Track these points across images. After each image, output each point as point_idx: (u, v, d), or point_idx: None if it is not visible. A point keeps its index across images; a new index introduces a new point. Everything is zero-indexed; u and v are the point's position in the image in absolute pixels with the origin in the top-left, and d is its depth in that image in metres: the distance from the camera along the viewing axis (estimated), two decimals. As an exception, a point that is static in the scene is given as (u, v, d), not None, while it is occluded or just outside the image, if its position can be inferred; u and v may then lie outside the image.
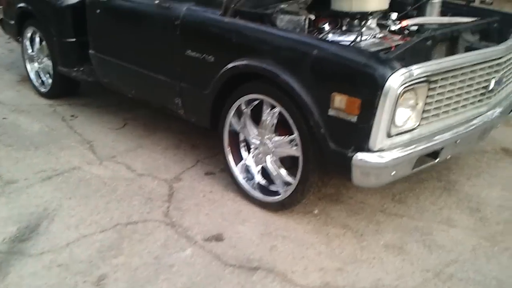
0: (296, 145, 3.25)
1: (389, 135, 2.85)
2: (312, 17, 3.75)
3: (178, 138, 4.70)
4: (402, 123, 2.91)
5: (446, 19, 4.01)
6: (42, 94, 5.70)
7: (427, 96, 2.96)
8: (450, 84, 3.06)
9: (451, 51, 3.42)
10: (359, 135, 2.86)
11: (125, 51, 4.33)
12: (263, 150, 3.57)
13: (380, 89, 2.72)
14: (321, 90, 2.98)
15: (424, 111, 3.00)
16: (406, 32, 3.41)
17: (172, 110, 4.14)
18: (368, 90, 2.78)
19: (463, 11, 4.38)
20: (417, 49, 3.07)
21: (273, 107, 3.34)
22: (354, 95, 2.82)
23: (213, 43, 3.57)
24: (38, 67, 5.78)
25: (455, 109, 3.20)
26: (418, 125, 2.99)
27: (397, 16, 4.07)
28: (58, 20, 5.11)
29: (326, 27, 3.93)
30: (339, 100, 2.88)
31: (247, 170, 3.75)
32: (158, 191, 3.92)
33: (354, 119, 2.84)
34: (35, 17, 5.34)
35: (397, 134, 2.90)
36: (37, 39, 5.64)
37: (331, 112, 2.94)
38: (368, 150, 2.85)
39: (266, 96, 3.33)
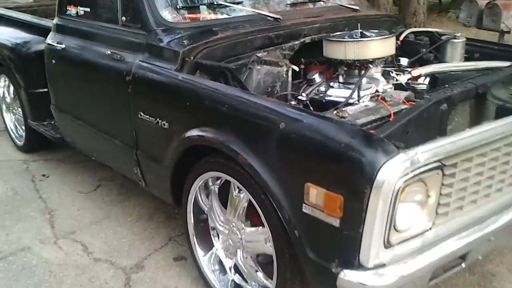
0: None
1: (388, 245, 1.93)
2: (295, 68, 2.86)
3: (154, 205, 3.88)
4: (408, 226, 1.98)
5: (471, 64, 3.04)
6: (18, 148, 4.97)
7: (442, 185, 2.01)
8: (477, 165, 2.11)
9: (477, 115, 2.46)
10: (344, 246, 1.95)
11: (82, 108, 3.56)
12: (232, 242, 2.67)
13: (369, 184, 1.81)
14: (291, 177, 2.09)
15: (440, 205, 2.06)
16: (417, 86, 2.46)
17: (134, 180, 3.31)
18: (353, 184, 1.87)
19: (494, 50, 3.40)
20: (427, 118, 2.14)
21: (241, 188, 2.45)
22: (334, 189, 1.92)
23: (166, 105, 2.73)
24: (14, 118, 5.08)
25: (486, 195, 2.24)
26: (433, 225, 2.05)
27: (408, 62, 3.14)
28: (25, 69, 4.39)
29: (317, 78, 3.03)
30: (315, 194, 1.98)
31: (220, 261, 2.86)
32: (111, 286, 3.06)
33: (336, 222, 1.93)
34: (2, 65, 4.64)
35: (401, 242, 1.96)
36: (11, 87, 4.94)
37: (306, 209, 2.04)
38: (360, 266, 1.92)
39: (229, 176, 2.45)
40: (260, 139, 2.19)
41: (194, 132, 2.48)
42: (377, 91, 2.81)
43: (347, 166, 1.89)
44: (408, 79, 2.94)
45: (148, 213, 3.85)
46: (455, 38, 3.29)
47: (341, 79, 3.08)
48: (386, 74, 3.08)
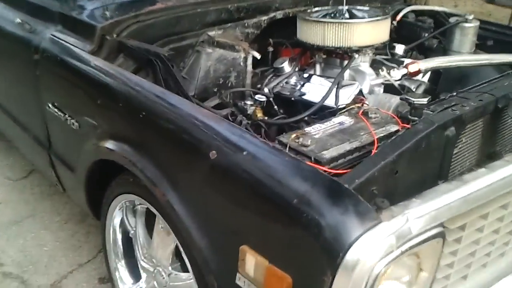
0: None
1: None
2: (257, 55, 2.13)
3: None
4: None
5: (484, 58, 2.32)
6: None
7: (442, 255, 1.35)
8: (494, 221, 1.45)
9: (492, 133, 1.78)
10: None
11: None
12: (158, 285, 2.00)
13: (331, 268, 1.14)
14: (223, 233, 1.41)
15: (436, 280, 1.40)
16: (415, 99, 1.72)
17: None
18: (308, 264, 1.19)
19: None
20: (425, 149, 1.46)
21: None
22: (279, 264, 1.24)
23: (75, 100, 2.01)
24: None
25: (501, 254, 1.59)
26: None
27: (405, 50, 2.42)
28: None
29: (286, 67, 2.31)
30: (252, 264, 1.31)
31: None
32: (15, 315, 2.41)
33: (283, 308, 1.26)
34: None
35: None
36: None
37: (239, 281, 1.37)
38: None
39: (152, 206, 1.76)
40: (184, 170, 1.49)
41: (104, 143, 1.77)
42: (361, 92, 2.10)
43: (299, 234, 1.20)
44: (403, 76, 2.23)
45: (81, 213, 3.15)
46: (466, 22, 2.55)
47: (318, 70, 2.37)
48: (375, 64, 2.37)
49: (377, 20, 2.18)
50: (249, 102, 2.02)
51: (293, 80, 2.31)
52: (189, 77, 2.19)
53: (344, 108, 2.04)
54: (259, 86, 2.34)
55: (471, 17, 2.56)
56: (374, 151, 1.43)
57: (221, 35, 2.24)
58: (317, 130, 1.53)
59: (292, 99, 2.22)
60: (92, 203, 2.19)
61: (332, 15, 2.27)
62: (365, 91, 2.19)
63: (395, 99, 1.99)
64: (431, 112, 1.65)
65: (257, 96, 2.01)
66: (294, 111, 2.27)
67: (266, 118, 1.99)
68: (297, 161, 1.30)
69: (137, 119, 1.64)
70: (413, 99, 1.60)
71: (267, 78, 2.34)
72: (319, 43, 2.20)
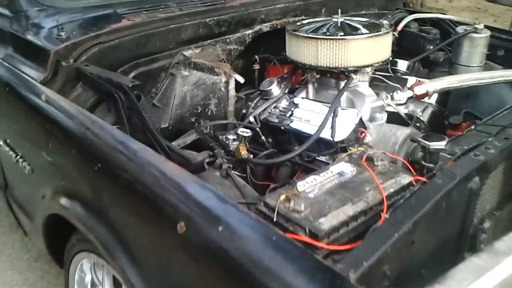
0: None
1: None
2: (240, 79, 1.82)
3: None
4: None
5: (499, 75, 2.03)
6: None
7: None
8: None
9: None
10: None
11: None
12: None
13: None
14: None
15: None
16: (432, 143, 1.39)
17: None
18: None
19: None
20: (446, 209, 1.16)
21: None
22: None
23: (27, 139, 1.69)
24: None
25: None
26: None
27: (408, 67, 2.12)
28: None
29: (274, 89, 2.00)
30: None
31: None
32: None
33: None
34: None
35: None
36: None
37: None
38: None
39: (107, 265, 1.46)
40: (147, 242, 1.19)
41: (57, 196, 1.46)
42: (361, 122, 1.80)
43: None
44: (409, 99, 1.93)
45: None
46: (475, 32, 2.26)
47: (310, 91, 2.07)
48: (375, 81, 2.07)
49: (378, 35, 1.88)
50: (231, 137, 1.71)
51: (282, 104, 2.01)
52: (162, 104, 1.88)
53: (342, 142, 1.76)
54: (244, 111, 2.04)
55: (481, 26, 2.26)
56: (383, 215, 1.13)
57: (198, 55, 1.93)
58: (312, 186, 1.23)
59: (282, 128, 1.92)
60: (54, 251, 1.89)
61: (326, 29, 1.96)
62: (365, 117, 1.90)
63: (401, 132, 1.69)
64: (449, 156, 1.36)
65: (240, 130, 1.71)
66: (284, 140, 1.98)
67: (251, 156, 1.69)
68: (288, 242, 0.99)
69: (92, 172, 1.33)
70: (428, 143, 1.31)
71: (253, 102, 2.03)
72: (312, 63, 1.90)
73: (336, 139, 1.76)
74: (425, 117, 2.02)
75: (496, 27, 2.57)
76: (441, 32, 2.38)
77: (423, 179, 1.24)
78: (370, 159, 1.34)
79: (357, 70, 1.90)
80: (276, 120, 1.96)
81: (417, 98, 1.94)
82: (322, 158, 1.85)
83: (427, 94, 1.93)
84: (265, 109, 2.00)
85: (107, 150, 1.32)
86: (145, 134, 1.51)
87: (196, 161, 1.43)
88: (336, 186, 1.24)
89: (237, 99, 1.98)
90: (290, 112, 1.95)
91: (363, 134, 1.74)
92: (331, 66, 1.87)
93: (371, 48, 1.88)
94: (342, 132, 1.75)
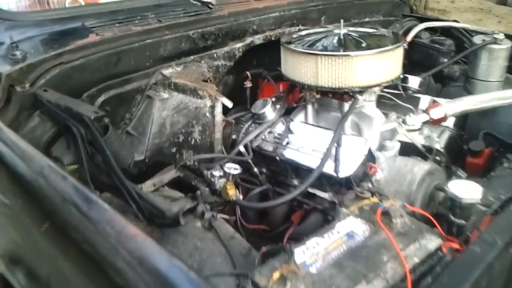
0: None
1: None
2: (227, 102, 1.55)
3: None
4: None
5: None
6: None
7: None
8: None
9: None
10: None
11: None
12: None
13: None
14: None
15: None
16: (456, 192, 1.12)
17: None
18: None
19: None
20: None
21: None
22: None
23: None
24: None
25: None
26: None
27: (420, 84, 1.85)
28: None
29: (268, 112, 1.73)
30: None
31: None
32: None
33: None
34: None
35: None
36: None
37: None
38: None
39: None
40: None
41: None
42: (370, 154, 1.53)
43: None
44: (424, 124, 1.67)
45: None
46: (495, 42, 1.99)
47: (310, 114, 1.80)
48: (382, 99, 1.81)
49: (387, 50, 1.60)
50: (217, 173, 1.44)
51: (278, 129, 1.74)
52: (137, 132, 1.61)
53: (348, 178, 1.49)
54: (234, 136, 1.77)
55: (501, 36, 1.99)
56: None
57: (180, 74, 1.66)
58: (314, 254, 0.96)
59: (277, 158, 1.65)
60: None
61: (326, 43, 1.68)
62: (374, 146, 1.63)
63: (419, 168, 1.42)
64: (484, 208, 1.09)
65: (227, 166, 1.43)
66: (280, 171, 1.71)
67: (240, 196, 1.42)
68: None
69: (38, 232, 1.05)
70: (460, 196, 1.04)
71: (244, 127, 1.76)
72: (311, 82, 1.63)
73: (341, 175, 1.50)
74: (441, 142, 1.75)
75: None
76: (456, 42, 2.10)
77: (455, 245, 0.97)
78: (386, 213, 1.07)
79: (363, 90, 1.63)
80: (270, 148, 1.69)
81: (434, 123, 1.68)
82: (325, 195, 1.59)
83: (445, 118, 1.67)
84: (258, 135, 1.73)
85: (57, 204, 1.04)
86: (111, 177, 1.23)
87: (171, 214, 1.16)
88: (345, 254, 0.97)
89: (225, 124, 1.71)
90: (286, 140, 1.68)
91: (372, 170, 1.47)
92: (333, 86, 1.60)
93: (379, 65, 1.61)
94: (348, 167, 1.49)
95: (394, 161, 1.48)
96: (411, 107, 1.78)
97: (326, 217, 1.58)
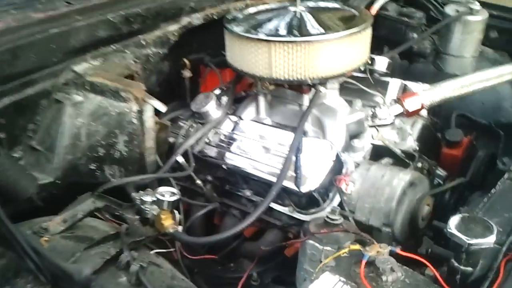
0: None
1: None
2: (160, 106, 1.24)
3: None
4: None
5: (508, 71, 1.53)
6: None
7: None
8: None
9: None
10: None
11: None
12: None
13: None
14: None
15: None
16: None
17: None
18: None
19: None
20: None
21: None
22: None
23: None
24: None
25: None
26: None
27: (388, 65, 1.57)
28: None
29: (212, 110, 1.42)
30: None
31: None
32: None
33: None
34: None
35: None
36: None
37: None
38: None
39: None
40: None
41: None
42: (339, 160, 1.25)
43: None
44: (397, 116, 1.40)
45: None
46: (470, 13, 1.73)
47: (262, 107, 1.49)
48: (345, 84, 1.51)
49: (355, 33, 1.31)
50: (148, 199, 1.13)
51: (224, 129, 1.43)
52: (44, 147, 1.28)
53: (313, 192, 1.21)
54: (172, 139, 1.45)
55: (477, 6, 1.73)
56: None
57: (98, 70, 1.32)
58: None
59: (224, 167, 1.35)
60: None
61: (280, 24, 1.36)
62: (340, 145, 1.35)
63: (398, 180, 1.15)
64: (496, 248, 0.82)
65: (160, 192, 1.12)
66: (227, 179, 1.41)
67: (179, 228, 1.12)
68: None
69: None
70: (466, 239, 0.77)
71: (183, 128, 1.44)
72: (263, 74, 1.32)
73: (304, 189, 1.21)
74: (415, 134, 1.49)
75: (491, 3, 2.02)
76: (426, 14, 1.83)
77: None
78: (371, 264, 0.79)
79: (326, 81, 1.34)
80: (216, 154, 1.38)
81: (409, 115, 1.41)
82: (284, 209, 1.30)
83: (421, 109, 1.40)
84: (201, 138, 1.41)
85: None
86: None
87: (81, 277, 0.84)
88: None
89: (159, 127, 1.38)
90: (235, 143, 1.38)
91: (342, 182, 1.19)
92: (290, 78, 1.30)
93: (346, 51, 1.32)
94: (312, 179, 1.21)
95: (367, 171, 1.20)
96: (379, 94, 1.50)
97: (286, 235, 1.32)
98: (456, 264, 0.82)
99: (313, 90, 1.41)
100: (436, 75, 1.83)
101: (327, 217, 1.04)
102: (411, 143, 1.44)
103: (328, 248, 0.99)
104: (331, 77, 1.33)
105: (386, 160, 1.34)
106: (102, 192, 1.16)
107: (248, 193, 1.37)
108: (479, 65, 1.82)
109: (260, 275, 1.36)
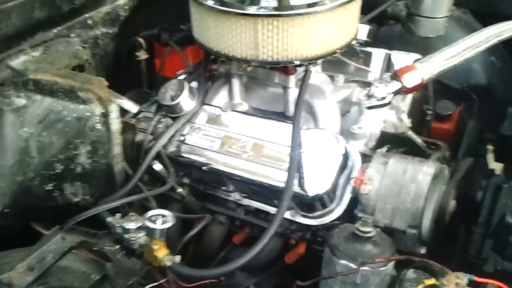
0: None
1: None
2: (130, 106, 0.99)
3: None
4: None
5: (495, 32, 1.43)
6: None
7: None
8: None
9: None
10: None
11: None
12: None
13: None
14: None
15: None
16: None
17: None
18: None
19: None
20: None
21: None
22: None
23: None
24: None
25: None
26: None
27: (370, 33, 1.41)
28: None
29: (184, 101, 1.19)
30: None
31: None
32: None
33: None
34: None
35: None
36: None
37: None
38: None
39: None
40: None
41: None
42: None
43: None
44: (395, 94, 1.25)
45: None
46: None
47: (236, 91, 1.29)
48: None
49: (348, 2, 1.12)
50: (132, 225, 0.91)
51: (200, 122, 1.21)
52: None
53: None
54: (138, 138, 1.21)
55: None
56: None
57: (40, 63, 1.04)
58: None
59: (204, 168, 1.14)
60: None
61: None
62: (336, 130, 1.18)
63: (423, 174, 1.01)
64: None
65: (149, 217, 0.90)
66: (209, 181, 1.20)
67: (176, 258, 0.92)
68: None
69: None
70: None
71: (151, 125, 1.20)
72: (247, 56, 1.11)
73: (312, 193, 1.04)
74: (405, 107, 1.36)
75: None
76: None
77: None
78: None
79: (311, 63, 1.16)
80: (194, 157, 1.17)
81: (407, 92, 1.26)
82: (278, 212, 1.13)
83: (421, 85, 1.26)
84: (173, 136, 1.19)
85: None
86: None
87: None
88: None
89: (124, 127, 1.13)
90: (217, 140, 1.16)
91: (357, 182, 1.02)
92: (280, 59, 1.10)
93: (341, 24, 1.13)
94: (321, 182, 1.03)
95: (385, 166, 1.04)
96: (368, 69, 1.34)
97: (288, 241, 1.15)
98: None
99: (299, 69, 1.22)
100: (403, 39, 1.72)
101: (358, 229, 0.88)
102: (406, 122, 1.30)
103: (366, 268, 0.84)
104: (326, 55, 1.15)
105: (385, 147, 1.19)
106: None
107: (237, 196, 1.17)
108: (451, 25, 1.71)
109: (258, 286, 1.19)
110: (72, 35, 1.14)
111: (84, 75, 1.03)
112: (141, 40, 1.35)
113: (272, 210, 1.14)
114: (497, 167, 1.37)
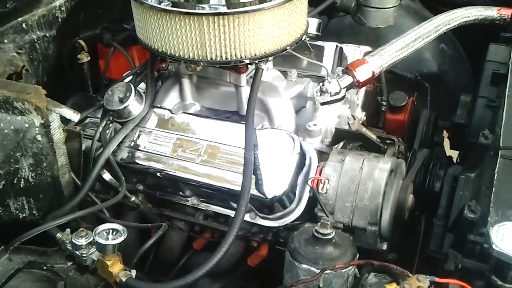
0: None
1: None
2: (71, 115, 0.96)
3: None
4: None
5: (443, 21, 1.46)
6: None
7: None
8: None
9: None
10: None
11: None
12: None
13: None
14: None
15: None
16: None
17: None
18: None
19: None
20: None
21: None
22: None
23: None
24: None
25: None
26: None
27: (318, 25, 1.41)
28: None
29: (133, 105, 1.15)
30: None
31: None
32: None
33: None
34: None
35: None
36: None
37: None
38: None
39: None
40: None
41: None
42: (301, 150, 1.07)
43: None
44: (348, 88, 1.24)
45: None
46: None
47: (187, 92, 1.27)
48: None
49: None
50: (82, 241, 0.88)
51: (151, 126, 1.17)
52: None
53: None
54: (85, 146, 1.16)
55: None
56: None
57: None
58: None
59: (158, 175, 1.10)
60: None
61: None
62: (291, 128, 1.17)
63: (380, 170, 1.00)
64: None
65: (100, 232, 0.87)
66: (163, 186, 1.17)
67: (132, 273, 0.88)
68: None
69: None
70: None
71: (97, 131, 1.16)
72: (194, 56, 1.08)
73: (270, 195, 1.02)
74: (359, 99, 1.37)
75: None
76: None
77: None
78: None
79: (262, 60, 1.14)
80: (146, 163, 1.13)
81: (360, 86, 1.27)
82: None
83: (373, 78, 1.26)
84: (123, 142, 1.14)
85: None
86: None
87: None
88: None
89: (67, 135, 1.08)
90: (169, 145, 1.13)
91: (315, 182, 1.01)
92: (229, 58, 1.07)
93: (290, 19, 1.11)
94: (278, 183, 1.01)
95: (342, 163, 1.03)
96: (320, 63, 1.34)
97: (249, 244, 1.13)
98: (499, 282, 0.70)
99: (250, 67, 1.20)
100: (353, 30, 1.73)
101: (317, 232, 0.87)
102: (360, 117, 1.31)
103: (328, 271, 0.83)
104: (276, 52, 1.13)
105: (341, 143, 1.19)
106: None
107: (195, 200, 1.15)
108: (400, 14, 1.74)
109: (223, 291, 1.17)
110: (5, 41, 1.08)
111: (20, 84, 0.97)
112: (82, 42, 1.29)
113: (231, 213, 1.12)
114: (454, 154, 1.40)
